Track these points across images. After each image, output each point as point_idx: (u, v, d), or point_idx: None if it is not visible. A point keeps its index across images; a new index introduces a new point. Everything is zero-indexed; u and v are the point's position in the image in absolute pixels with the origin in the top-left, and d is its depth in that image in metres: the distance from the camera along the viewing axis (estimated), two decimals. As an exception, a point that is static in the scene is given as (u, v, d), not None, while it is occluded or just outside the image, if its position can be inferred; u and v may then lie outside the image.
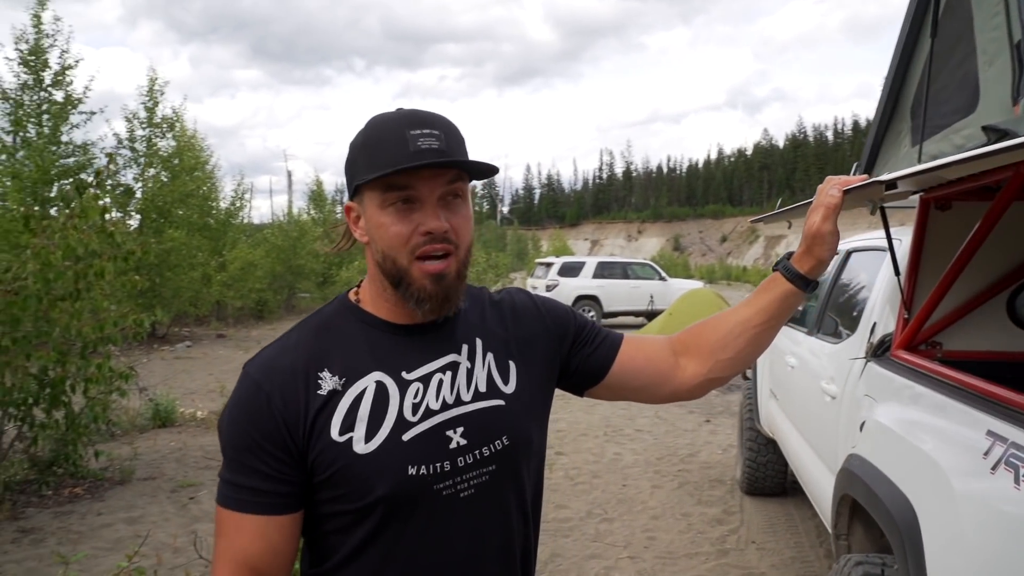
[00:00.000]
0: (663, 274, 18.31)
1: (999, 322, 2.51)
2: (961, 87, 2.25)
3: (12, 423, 4.89)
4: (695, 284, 17.92)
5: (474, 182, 1.14)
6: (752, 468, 4.89)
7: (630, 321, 17.36)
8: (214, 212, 17.20)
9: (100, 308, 5.08)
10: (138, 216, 14.37)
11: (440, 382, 1.09)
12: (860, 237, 3.59)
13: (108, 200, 5.56)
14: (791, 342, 4.01)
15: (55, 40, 12.87)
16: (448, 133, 1.05)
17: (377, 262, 1.08)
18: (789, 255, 1.28)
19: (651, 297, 17.21)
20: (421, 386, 1.07)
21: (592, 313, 16.94)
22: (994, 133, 1.74)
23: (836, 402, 2.79)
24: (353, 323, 1.11)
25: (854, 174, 1.37)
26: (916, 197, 2.63)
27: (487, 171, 1.07)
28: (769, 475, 4.86)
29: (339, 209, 27.98)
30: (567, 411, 7.94)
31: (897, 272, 2.46)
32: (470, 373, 1.12)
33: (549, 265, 18.49)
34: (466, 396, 1.10)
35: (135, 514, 4.64)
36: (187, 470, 5.62)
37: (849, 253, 3.60)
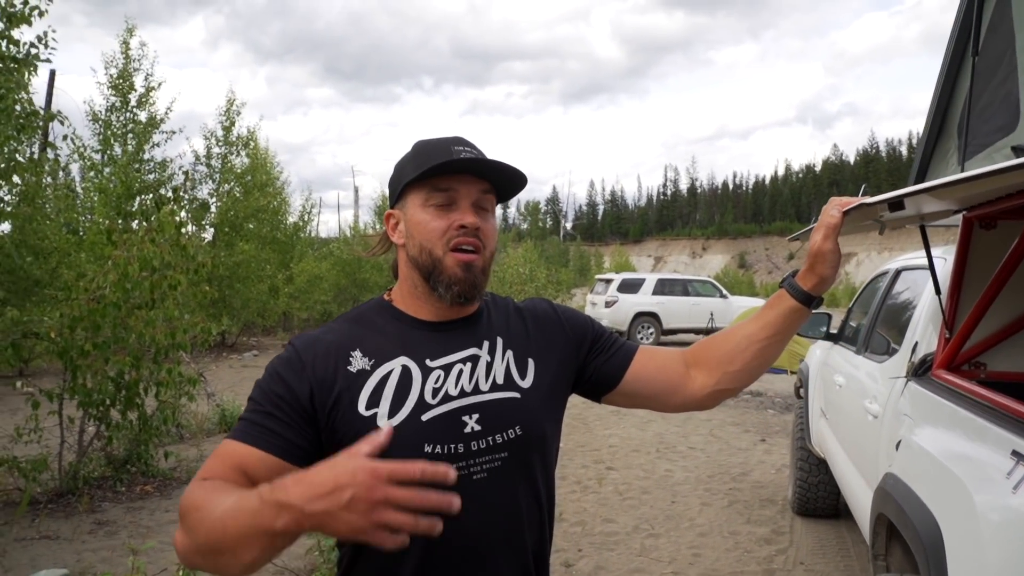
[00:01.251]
0: (724, 292, 18.04)
1: (1047, 343, 2.46)
2: (1003, 106, 2.24)
3: (92, 422, 5.24)
4: (757, 302, 17.58)
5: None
6: (804, 488, 4.81)
7: (690, 339, 17.13)
8: (283, 226, 17.84)
9: (173, 317, 5.40)
10: (212, 229, 15.06)
11: (460, 372, 1.20)
12: (910, 255, 3.54)
13: (185, 215, 5.92)
14: (842, 360, 3.96)
15: (140, 64, 13.71)
16: (483, 152, 1.24)
17: (412, 257, 1.22)
18: (794, 273, 1.34)
19: (711, 315, 16.97)
20: (442, 373, 1.19)
21: (652, 330, 16.82)
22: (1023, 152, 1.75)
23: (878, 421, 2.77)
24: (386, 317, 1.25)
25: (862, 195, 1.42)
26: (959, 216, 2.60)
27: (513, 187, 1.25)
28: (821, 496, 4.77)
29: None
30: (620, 427, 7.93)
31: (938, 291, 2.44)
32: (489, 366, 1.23)
33: (609, 281, 18.42)
34: (484, 386, 1.21)
35: (200, 512, 4.89)
36: (249, 473, 5.87)
37: (898, 271, 3.55)
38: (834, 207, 1.32)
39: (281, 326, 18.05)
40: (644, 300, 17.18)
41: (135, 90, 13.66)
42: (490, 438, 1.18)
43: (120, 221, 10.18)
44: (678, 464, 6.49)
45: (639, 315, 16.87)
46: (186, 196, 13.46)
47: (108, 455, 5.42)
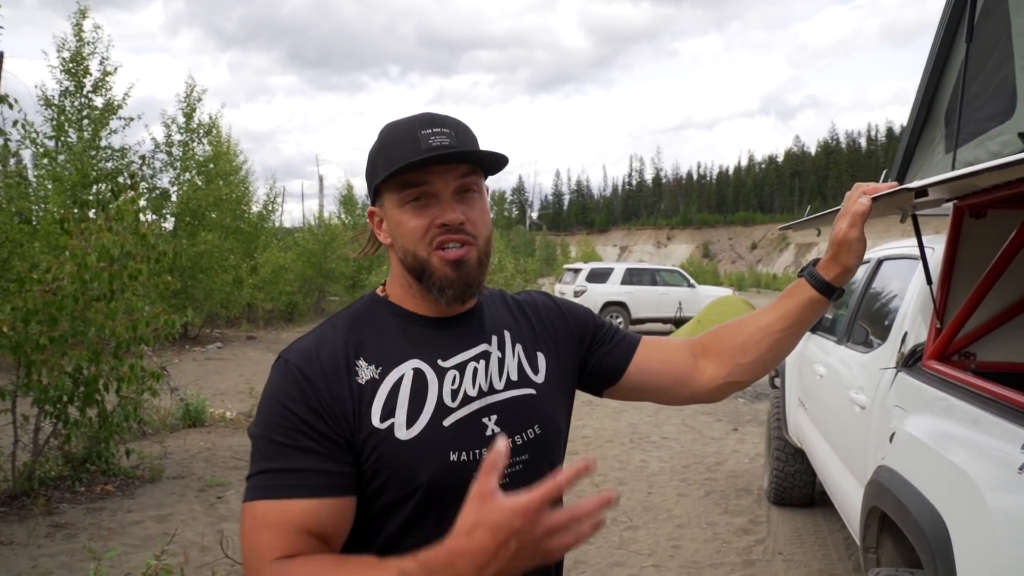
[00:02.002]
0: (692, 281, 18.16)
1: (1036, 333, 2.44)
2: (997, 93, 2.21)
3: (48, 420, 5.01)
4: (724, 291, 17.77)
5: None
6: (780, 478, 4.82)
7: (658, 328, 17.24)
8: (246, 216, 17.46)
9: (134, 308, 5.18)
10: (173, 219, 14.66)
11: (475, 370, 1.11)
12: (892, 245, 3.52)
13: (143, 203, 5.70)
14: (820, 351, 3.95)
15: (95, 47, 13.22)
16: (459, 131, 1.08)
17: (400, 259, 1.10)
18: (815, 262, 1.27)
19: (679, 304, 17.08)
20: (457, 373, 1.09)
21: (620, 319, 16.85)
22: (1030, 139, 1.70)
23: (866, 412, 2.74)
24: (385, 315, 1.13)
25: (883, 182, 1.35)
26: (950, 205, 2.58)
27: (497, 161, 1.10)
28: (797, 485, 4.78)
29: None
30: (593, 417, 7.90)
31: (929, 281, 2.41)
32: (501, 362, 1.14)
33: (577, 271, 18.45)
34: (499, 384, 1.12)
35: (164, 512, 4.72)
36: (215, 470, 5.70)
37: (880, 261, 3.53)
38: (861, 193, 1.25)
39: (245, 317, 17.69)
40: (613, 289, 17.23)
41: (90, 74, 13.16)
42: (511, 440, 1.09)
43: (76, 210, 9.83)
44: (652, 454, 6.48)
45: (608, 304, 16.90)
46: (145, 184, 13.07)
47: (66, 454, 5.19)
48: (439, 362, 1.09)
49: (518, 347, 1.17)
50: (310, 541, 0.96)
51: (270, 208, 20.44)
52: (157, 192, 13.82)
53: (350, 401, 1.03)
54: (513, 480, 1.08)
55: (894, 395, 2.49)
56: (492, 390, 1.11)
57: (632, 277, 17.69)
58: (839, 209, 1.29)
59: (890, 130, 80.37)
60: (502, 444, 0.83)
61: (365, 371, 1.06)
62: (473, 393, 1.09)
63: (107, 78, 13.30)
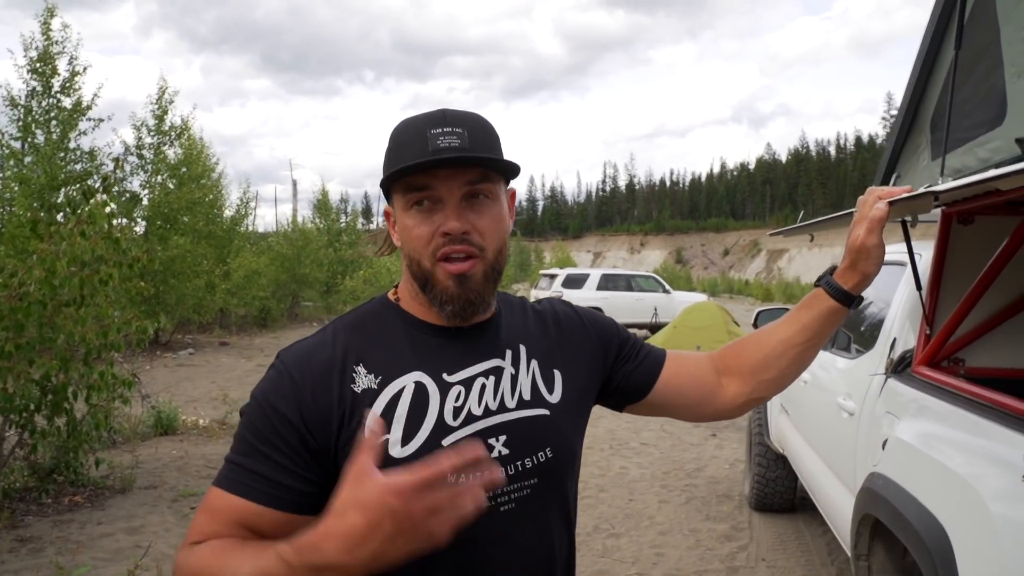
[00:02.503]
0: (667, 287, 18.27)
1: (1022, 339, 2.46)
2: (986, 100, 2.21)
3: (13, 429, 4.84)
4: (699, 297, 17.86)
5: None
6: (762, 484, 4.82)
7: (633, 334, 17.27)
8: (219, 220, 17.20)
9: (105, 314, 5.04)
10: (144, 223, 14.39)
11: (483, 387, 1.04)
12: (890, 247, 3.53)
13: (115, 206, 5.54)
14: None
15: (64, 47, 12.93)
16: (474, 131, 1.01)
17: (408, 265, 1.05)
18: (832, 270, 1.24)
19: (655, 310, 17.16)
20: (463, 389, 1.03)
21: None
22: (1028, 145, 1.70)
23: (854, 419, 2.74)
24: (393, 321, 1.07)
25: (893, 185, 1.33)
26: (938, 211, 2.59)
27: (507, 169, 1.04)
28: (779, 491, 4.79)
29: (344, 219, 28.02)
30: (572, 424, 7.87)
31: (919, 287, 2.41)
32: (514, 379, 1.07)
33: (553, 276, 18.46)
34: (510, 403, 1.05)
35: (135, 524, 4.58)
36: (189, 479, 5.56)
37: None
38: (878, 199, 1.22)
39: (218, 323, 17.41)
40: (589, 295, 17.25)
41: (58, 74, 12.86)
42: (519, 463, 1.03)
43: (44, 213, 9.59)
44: (632, 461, 6.47)
45: (584, 310, 16.91)
46: (116, 187, 12.80)
47: (32, 464, 5.02)
48: (444, 376, 1.02)
49: (533, 363, 1.10)
50: (243, 533, 0.95)
51: (243, 212, 20.15)
52: (127, 196, 13.54)
53: (338, 409, 0.97)
54: (520, 506, 1.03)
55: (884, 401, 2.49)
56: (502, 409, 1.04)
57: (608, 283, 17.76)
58: (833, 217, 1.27)
59: (858, 139, 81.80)
60: (373, 421, 0.80)
61: (363, 379, 1.00)
62: (478, 412, 1.02)
63: (76, 78, 13.00)
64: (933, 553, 1.69)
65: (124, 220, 13.05)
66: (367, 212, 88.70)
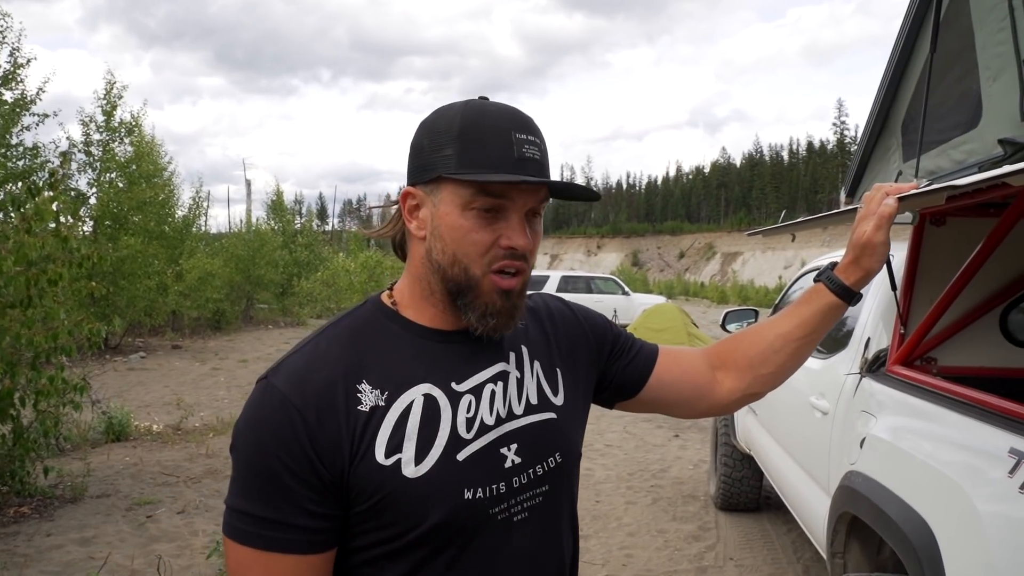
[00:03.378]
0: (626, 289, 18.44)
1: (992, 338, 2.51)
2: (961, 103, 2.25)
3: (-45, 438, 4.60)
4: (658, 299, 18.05)
5: None
6: (728, 484, 4.86)
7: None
8: (171, 220, 16.73)
9: (53, 316, 4.83)
10: (91, 222, 13.90)
11: (492, 394, 0.99)
12: (838, 252, 3.59)
13: (61, 204, 5.32)
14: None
15: (5, 37, 12.43)
16: (542, 141, 0.98)
17: (440, 265, 0.96)
18: (832, 266, 1.23)
19: (615, 311, 17.25)
20: (473, 399, 0.97)
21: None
22: (1011, 146, 1.73)
23: (828, 418, 2.76)
24: (392, 329, 0.99)
25: (845, 195, 1.32)
26: (909, 215, 2.63)
27: (586, 197, 1.00)
28: (745, 491, 4.84)
29: (299, 220, 27.43)
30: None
31: (894, 287, 2.44)
32: (520, 383, 1.03)
33: (513, 278, 18.42)
34: (518, 409, 1.01)
35: (88, 534, 4.39)
36: (143, 487, 5.36)
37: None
38: (886, 195, 1.20)
39: (170, 326, 16.91)
40: (549, 297, 17.27)
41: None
42: (531, 471, 0.98)
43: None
44: (597, 463, 6.47)
45: (545, 312, 16.93)
46: (62, 186, 12.34)
47: (-25, 474, 4.79)
48: (453, 385, 0.97)
49: (536, 365, 1.06)
50: None
51: (196, 212, 19.63)
52: (72, 193, 13.06)
53: (347, 434, 0.89)
54: (533, 514, 0.98)
55: (859, 400, 2.51)
56: (511, 415, 0.99)
57: (568, 285, 17.82)
58: (817, 217, 1.26)
59: (810, 144, 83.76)
60: None
61: (369, 396, 0.92)
62: (490, 421, 0.97)
63: (18, 71, 12.52)
64: (918, 550, 1.69)
65: (70, 219, 12.61)
66: (322, 213, 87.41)
